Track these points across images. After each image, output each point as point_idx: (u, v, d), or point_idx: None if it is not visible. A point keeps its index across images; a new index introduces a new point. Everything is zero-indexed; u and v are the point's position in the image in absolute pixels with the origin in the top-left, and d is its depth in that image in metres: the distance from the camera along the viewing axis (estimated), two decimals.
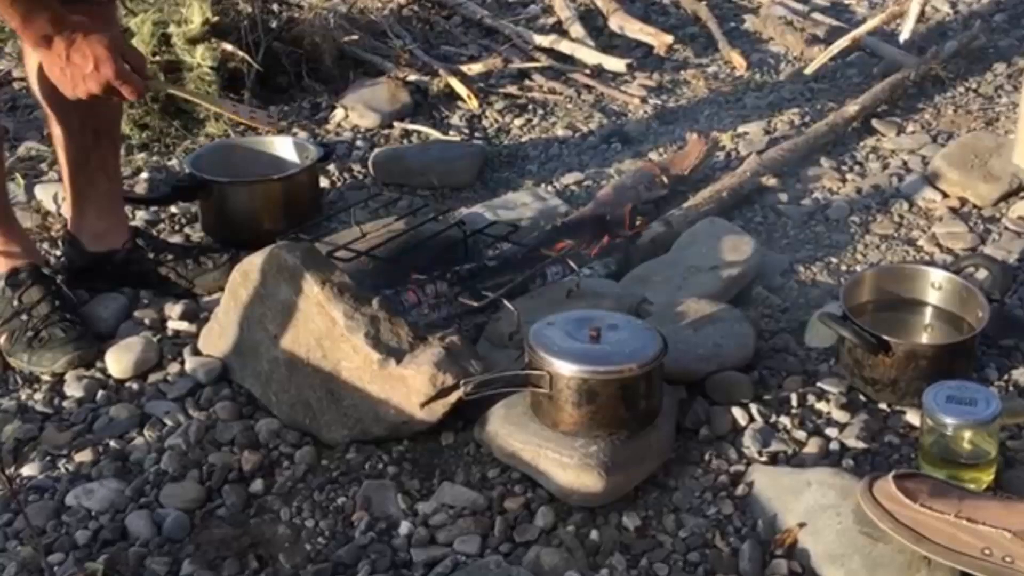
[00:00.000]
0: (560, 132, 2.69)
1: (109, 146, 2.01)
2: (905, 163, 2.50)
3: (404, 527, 1.47)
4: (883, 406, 1.69)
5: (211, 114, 2.62)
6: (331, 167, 2.45)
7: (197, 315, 1.94)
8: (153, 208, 2.30)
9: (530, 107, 2.83)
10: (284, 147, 2.29)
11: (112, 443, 1.66)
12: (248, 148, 2.31)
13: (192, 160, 2.24)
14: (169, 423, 1.70)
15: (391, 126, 2.72)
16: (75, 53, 1.63)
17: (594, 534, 1.46)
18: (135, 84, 1.68)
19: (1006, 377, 1.76)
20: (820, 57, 1.71)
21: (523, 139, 2.67)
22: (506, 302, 1.72)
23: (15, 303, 1.86)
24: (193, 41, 2.62)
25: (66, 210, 2.06)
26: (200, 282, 1.99)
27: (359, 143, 2.64)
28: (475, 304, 1.76)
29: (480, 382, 1.54)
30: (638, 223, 2.14)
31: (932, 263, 2.07)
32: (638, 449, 1.53)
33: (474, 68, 2.98)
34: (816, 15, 3.29)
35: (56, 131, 1.95)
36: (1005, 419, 1.54)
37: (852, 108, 2.64)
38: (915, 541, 1.33)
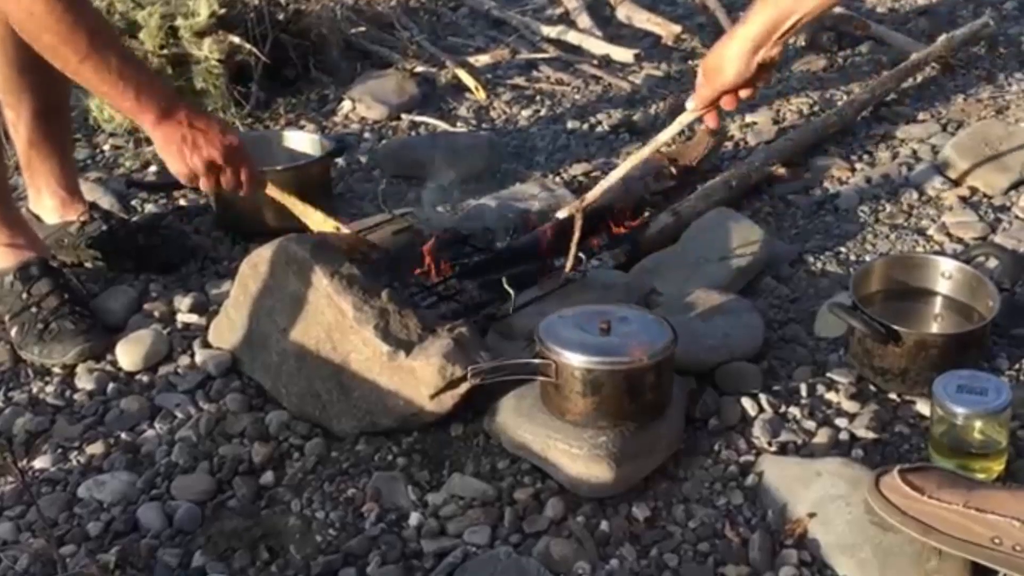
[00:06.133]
0: (568, 123, 2.69)
1: (59, 122, 2.04)
2: (915, 152, 2.49)
3: (414, 518, 1.48)
4: (893, 396, 1.69)
5: (219, 107, 2.63)
6: (339, 159, 2.45)
7: (206, 308, 1.95)
8: (163, 200, 2.31)
9: (538, 98, 2.82)
10: (299, 141, 2.30)
11: (123, 435, 1.67)
12: (263, 141, 2.32)
13: None
14: (180, 415, 1.70)
15: (399, 118, 2.72)
16: (198, 120, 1.65)
17: (604, 525, 1.46)
18: (252, 167, 1.71)
19: (1017, 366, 1.76)
20: None
21: (531, 130, 2.67)
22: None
23: (24, 296, 1.87)
24: (200, 34, 2.62)
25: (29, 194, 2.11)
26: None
27: (367, 135, 2.64)
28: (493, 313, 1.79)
29: (488, 369, 1.54)
30: (645, 214, 2.14)
31: (942, 252, 2.06)
32: (647, 440, 1.53)
33: (481, 59, 2.98)
34: None
35: (9, 114, 2.00)
36: (1016, 408, 1.54)
37: (861, 97, 2.63)
38: (924, 533, 1.33)
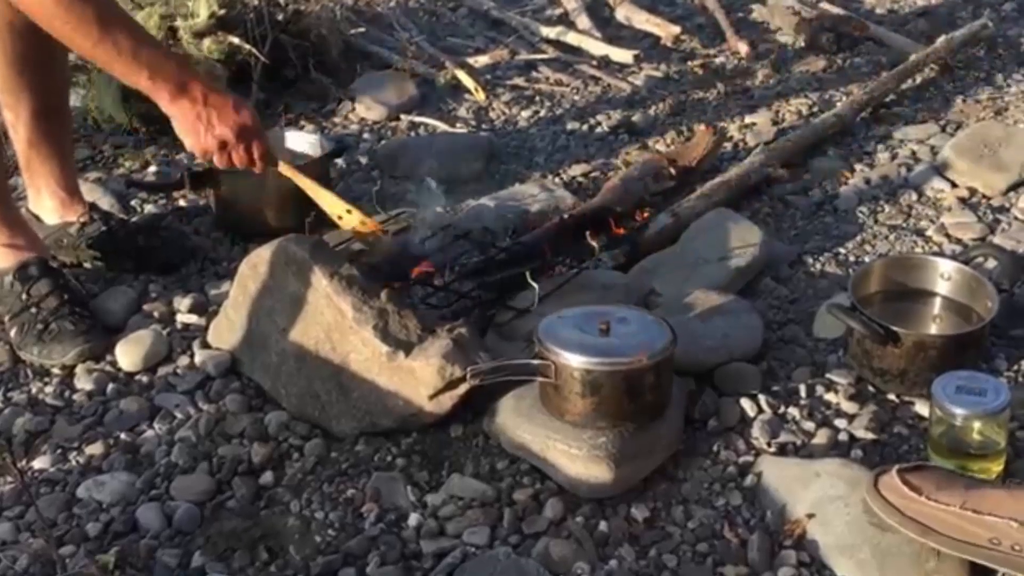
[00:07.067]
0: (568, 123, 2.69)
1: (59, 123, 2.04)
2: (914, 153, 2.49)
3: (413, 519, 1.48)
4: (892, 397, 1.69)
5: None
6: (338, 159, 2.45)
7: (206, 308, 1.95)
8: (162, 201, 2.31)
9: (537, 99, 2.83)
10: (299, 141, 2.30)
11: (123, 436, 1.67)
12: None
13: None
14: (179, 416, 1.70)
15: (398, 118, 2.71)
16: (213, 95, 1.65)
17: (603, 525, 1.46)
18: (264, 143, 1.71)
19: (1016, 367, 1.76)
20: None
21: (530, 130, 2.67)
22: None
23: (24, 297, 1.87)
24: (200, 35, 2.62)
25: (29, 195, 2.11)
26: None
27: (366, 135, 2.64)
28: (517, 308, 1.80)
29: (487, 370, 1.54)
30: (644, 214, 2.14)
31: (941, 253, 2.06)
32: (647, 440, 1.53)
33: (481, 60, 2.98)
34: (824, 4, 3.27)
35: (8, 115, 1.99)
36: (1015, 409, 1.54)
37: (860, 98, 2.63)
38: (922, 534, 1.33)
